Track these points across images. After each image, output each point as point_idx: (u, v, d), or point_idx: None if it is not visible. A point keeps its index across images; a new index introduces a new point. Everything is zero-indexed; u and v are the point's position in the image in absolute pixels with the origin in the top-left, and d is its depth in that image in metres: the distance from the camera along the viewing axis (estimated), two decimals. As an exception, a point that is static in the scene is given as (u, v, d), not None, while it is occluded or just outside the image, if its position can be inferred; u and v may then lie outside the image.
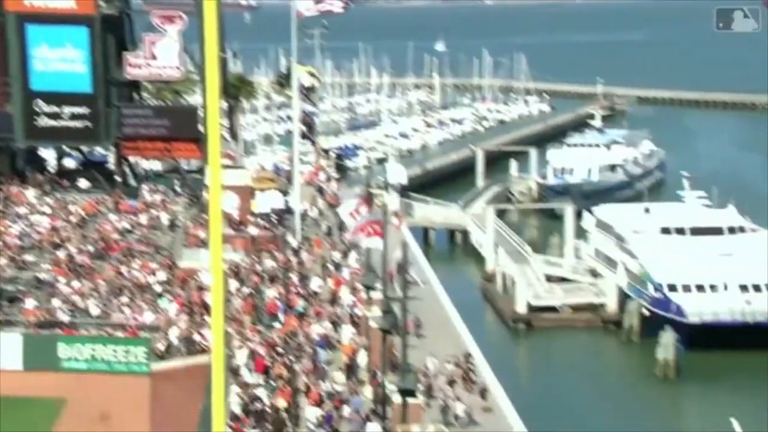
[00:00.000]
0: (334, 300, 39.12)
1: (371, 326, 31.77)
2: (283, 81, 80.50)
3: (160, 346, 32.53)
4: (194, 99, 60.45)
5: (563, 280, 58.85)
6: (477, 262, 66.30)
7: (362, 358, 32.80)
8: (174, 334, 33.30)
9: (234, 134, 55.73)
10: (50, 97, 47.87)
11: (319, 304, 38.51)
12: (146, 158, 52.87)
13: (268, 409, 28.14)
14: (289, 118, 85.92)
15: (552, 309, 56.23)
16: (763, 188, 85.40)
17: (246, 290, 38.39)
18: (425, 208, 72.64)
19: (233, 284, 38.41)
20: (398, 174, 72.23)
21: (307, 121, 57.15)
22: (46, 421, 28.60)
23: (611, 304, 55.59)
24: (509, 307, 56.71)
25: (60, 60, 47.69)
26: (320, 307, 37.94)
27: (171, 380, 30.38)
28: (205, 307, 34.15)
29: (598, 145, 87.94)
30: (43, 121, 48.12)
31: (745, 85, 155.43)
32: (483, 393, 33.19)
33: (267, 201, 48.85)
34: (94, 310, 35.82)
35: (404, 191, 71.43)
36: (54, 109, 48.01)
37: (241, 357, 31.61)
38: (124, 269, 39.25)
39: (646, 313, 52.61)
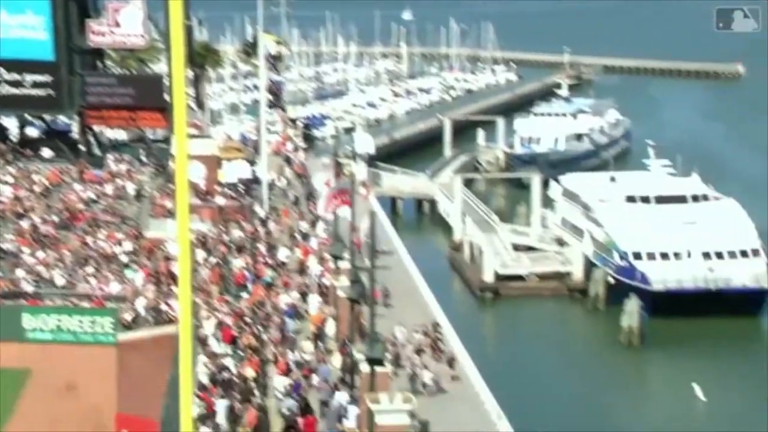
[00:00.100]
0: (302, 270, 39.12)
1: (339, 296, 31.82)
2: (250, 50, 79.85)
3: (127, 317, 32.37)
4: (159, 67, 59.76)
5: (530, 249, 59.22)
6: (444, 232, 66.51)
7: (330, 328, 32.87)
8: (141, 304, 33.15)
9: (200, 103, 55.29)
10: (11, 64, 47.10)
11: (287, 274, 38.48)
12: (111, 127, 52.28)
13: (235, 379, 28.15)
14: (255, 87, 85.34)
15: (519, 278, 56.62)
16: (726, 156, 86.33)
17: (213, 260, 38.26)
18: (393, 177, 72.63)
19: (200, 254, 38.26)
20: (366, 143, 72.09)
21: (274, 90, 56.80)
22: (11, 391, 28.41)
23: (577, 273, 56.07)
24: (476, 276, 57.01)
25: (20, 27, 46.87)
26: (288, 277, 37.92)
27: (138, 350, 30.27)
28: (172, 277, 33.99)
29: (564, 115, 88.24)
30: (4, 89, 47.36)
31: (710, 54, 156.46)
32: (451, 362, 33.41)
33: (234, 171, 48.59)
34: (60, 281, 35.54)
35: (372, 161, 71.34)
36: (15, 76, 47.24)
37: (208, 327, 31.57)
38: (89, 239, 38.94)
39: (612, 281, 53.14)
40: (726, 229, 52.96)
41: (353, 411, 26.35)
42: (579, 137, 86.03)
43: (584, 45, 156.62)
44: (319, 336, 32.41)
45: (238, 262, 38.34)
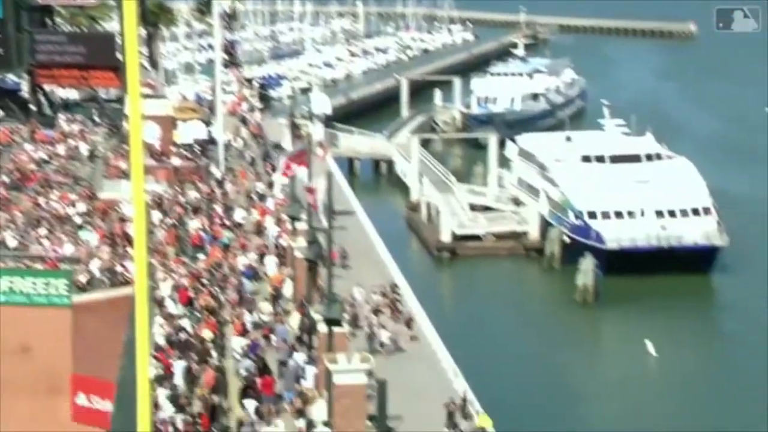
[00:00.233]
0: (259, 231, 39.01)
1: (296, 257, 31.80)
2: (204, 8, 78.77)
3: (82, 278, 32.07)
4: (111, 26, 58.82)
5: (487, 208, 59.54)
6: (402, 192, 66.60)
7: (288, 289, 32.88)
8: (96, 265, 32.85)
9: (154, 63, 54.50)
10: (-45, 21, 46.04)
11: (244, 235, 38.35)
12: (62, 86, 51.43)
13: (193, 340, 28.10)
14: (210, 46, 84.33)
15: (476, 237, 56.96)
16: (679, 115, 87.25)
17: (169, 221, 37.99)
18: (350, 138, 72.41)
19: (156, 215, 37.96)
20: (322, 104, 71.67)
21: (229, 49, 56.15)
22: (-36, 355, 28.11)
23: (533, 232, 56.54)
24: (434, 236, 57.26)
25: (-36, -17, 45.78)
26: (245, 239, 37.80)
27: (93, 312, 30.06)
28: (128, 239, 33.71)
29: (520, 74, 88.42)
30: (-50, 48, 46.33)
31: (664, 13, 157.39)
32: (408, 322, 33.62)
33: (189, 131, 48.12)
34: (12, 242, 35.06)
35: (329, 121, 71.02)
36: (-40, 34, 46.22)
37: (165, 288, 31.40)
38: (41, 200, 38.41)
39: (567, 240, 53.68)
40: (678, 187, 53.65)
41: (311, 371, 26.46)
42: (535, 97, 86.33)
43: (540, 4, 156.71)
44: (276, 297, 32.41)
45: (195, 224, 38.11)
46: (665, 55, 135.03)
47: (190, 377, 26.03)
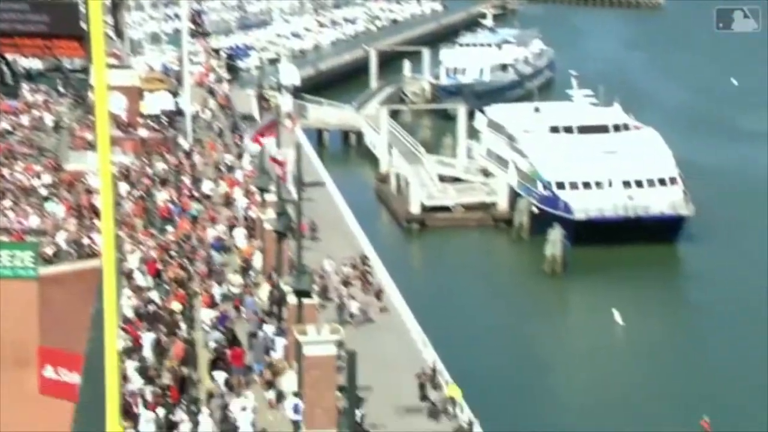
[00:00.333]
0: (228, 203, 38.82)
1: (266, 228, 31.70)
2: (170, -23, 77.75)
3: (48, 251, 31.81)
4: (75, -6, 57.78)
5: (456, 180, 59.64)
6: (371, 164, 66.51)
7: (257, 261, 32.80)
8: (62, 237, 32.57)
9: (119, 32, 53.75)
10: None
11: (213, 207, 38.15)
12: (25, 56, 50.60)
13: (161, 312, 27.99)
14: (176, 16, 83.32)
15: (445, 209, 57.08)
16: (646, 86, 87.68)
17: (137, 193, 37.71)
18: (319, 109, 72.08)
19: (123, 187, 37.66)
20: (291, 75, 71.22)
21: (196, 19, 55.55)
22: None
23: (502, 203, 56.74)
24: (403, 207, 57.30)
25: None
26: (214, 211, 37.61)
27: (60, 284, 29.85)
28: (95, 211, 33.42)
29: (489, 45, 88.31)
30: None
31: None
32: (378, 294, 33.70)
33: (156, 102, 47.69)
34: (-24, 216, 34.65)
35: (297, 92, 70.62)
36: None
37: (133, 261, 31.21)
38: (6, 172, 37.94)
39: (536, 210, 53.94)
40: (645, 157, 54.02)
41: (281, 342, 26.46)
42: (504, 68, 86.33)
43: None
44: (246, 269, 32.33)
45: (163, 195, 37.86)
46: (633, 26, 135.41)
47: (159, 349, 25.95)
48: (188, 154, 44.04)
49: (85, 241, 32.21)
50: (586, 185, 52.71)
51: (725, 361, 38.74)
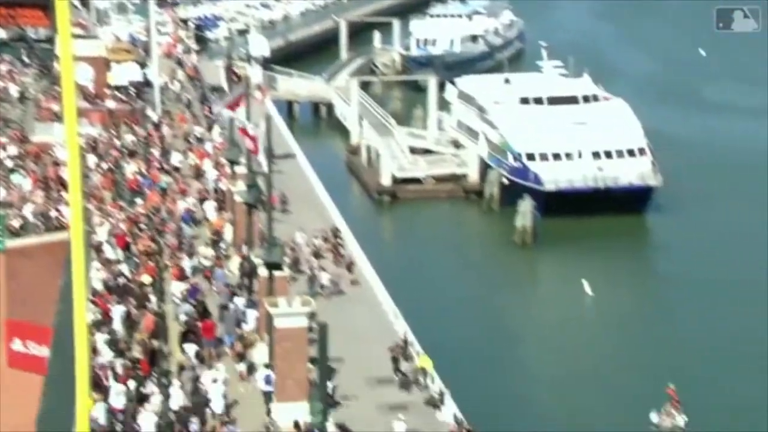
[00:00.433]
0: (197, 175, 38.57)
1: (236, 201, 31.55)
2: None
3: (15, 223, 31.51)
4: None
5: (427, 151, 59.62)
6: (342, 135, 66.31)
7: (228, 233, 32.67)
8: (29, 210, 32.26)
9: (85, 1, 53.09)
10: None
11: (183, 179, 37.90)
12: (-11, 26, 49.85)
13: (131, 285, 27.84)
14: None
15: (416, 180, 57.10)
16: (615, 57, 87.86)
17: (105, 165, 37.37)
18: (289, 81, 71.63)
19: (91, 159, 37.29)
20: (260, 46, 70.63)
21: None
22: None
23: (473, 175, 56.84)
24: (374, 179, 57.25)
25: None
26: (184, 183, 37.37)
27: (27, 257, 29.62)
28: (62, 183, 33.10)
29: (460, 16, 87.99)
30: None
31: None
32: (349, 266, 33.71)
33: (124, 73, 47.14)
34: (-58, 189, 34.22)
35: (267, 64, 70.10)
36: None
37: (102, 233, 30.98)
38: (-29, 145, 37.48)
39: (506, 182, 54.09)
40: (614, 128, 54.28)
41: (252, 315, 26.44)
42: (474, 39, 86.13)
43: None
44: (217, 241, 32.20)
45: (131, 168, 37.55)
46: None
47: (129, 322, 25.84)
48: (157, 126, 43.67)
49: (53, 213, 31.94)
50: (556, 156, 52.91)
51: (692, 331, 39.23)
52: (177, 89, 51.46)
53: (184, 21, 74.47)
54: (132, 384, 22.77)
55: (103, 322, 25.46)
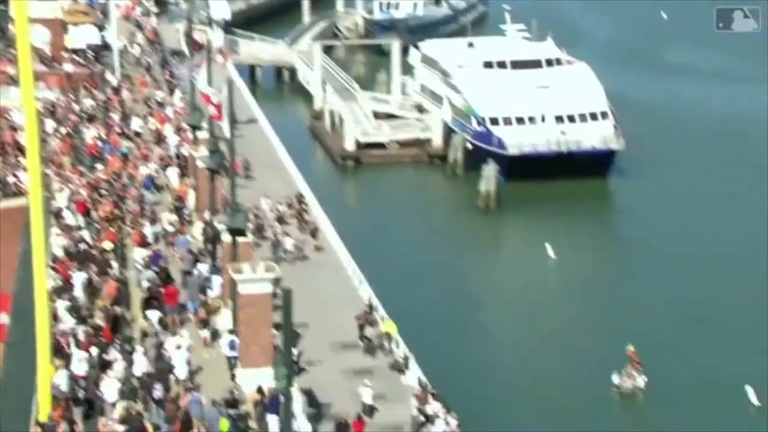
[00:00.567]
0: (159, 140, 38.14)
1: (198, 166, 31.24)
2: None
3: (-28, 191, 31.03)
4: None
5: (390, 116, 59.39)
6: (305, 100, 65.82)
7: (191, 199, 32.39)
8: (-13, 177, 31.76)
9: (41, -37, 51.90)
10: None
11: (145, 144, 37.46)
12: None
13: (92, 251, 27.54)
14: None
15: (380, 145, 56.90)
16: (578, 20, 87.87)
17: (64, 130, 36.83)
18: (251, 44, 70.85)
19: (49, 124, 36.73)
20: (221, 9, 69.73)
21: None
22: None
23: (437, 139, 56.76)
24: (338, 144, 56.99)
25: None
26: (146, 149, 36.93)
27: (-14, 224, 29.13)
28: (20, 148, 32.57)
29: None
30: None
31: None
32: (314, 232, 33.61)
33: (81, 36, 46.38)
34: None
35: (228, 27, 69.24)
36: None
37: (61, 199, 30.58)
38: (-74, 110, 36.72)
39: (470, 146, 54.09)
40: (577, 92, 54.35)
41: (216, 281, 26.29)
42: (437, 2, 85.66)
43: None
44: (179, 207, 31.91)
45: (91, 132, 37.04)
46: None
47: (91, 289, 25.59)
48: (116, 90, 43.07)
49: (11, 179, 31.45)
50: (520, 120, 52.94)
51: (653, 294, 39.64)
52: (137, 53, 50.75)
53: (144, -17, 73.12)
54: (94, 351, 22.59)
55: (64, 289, 25.19)
